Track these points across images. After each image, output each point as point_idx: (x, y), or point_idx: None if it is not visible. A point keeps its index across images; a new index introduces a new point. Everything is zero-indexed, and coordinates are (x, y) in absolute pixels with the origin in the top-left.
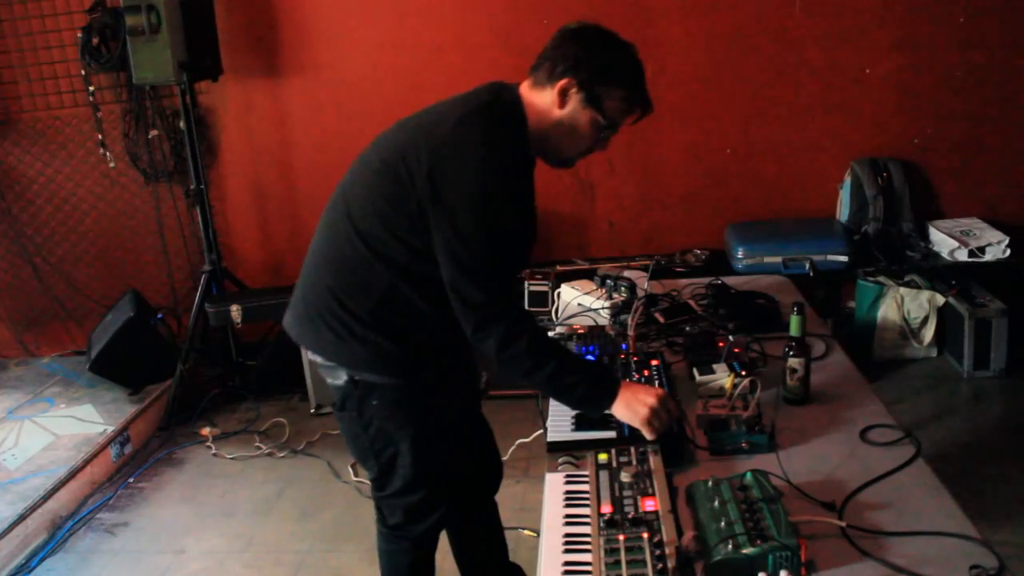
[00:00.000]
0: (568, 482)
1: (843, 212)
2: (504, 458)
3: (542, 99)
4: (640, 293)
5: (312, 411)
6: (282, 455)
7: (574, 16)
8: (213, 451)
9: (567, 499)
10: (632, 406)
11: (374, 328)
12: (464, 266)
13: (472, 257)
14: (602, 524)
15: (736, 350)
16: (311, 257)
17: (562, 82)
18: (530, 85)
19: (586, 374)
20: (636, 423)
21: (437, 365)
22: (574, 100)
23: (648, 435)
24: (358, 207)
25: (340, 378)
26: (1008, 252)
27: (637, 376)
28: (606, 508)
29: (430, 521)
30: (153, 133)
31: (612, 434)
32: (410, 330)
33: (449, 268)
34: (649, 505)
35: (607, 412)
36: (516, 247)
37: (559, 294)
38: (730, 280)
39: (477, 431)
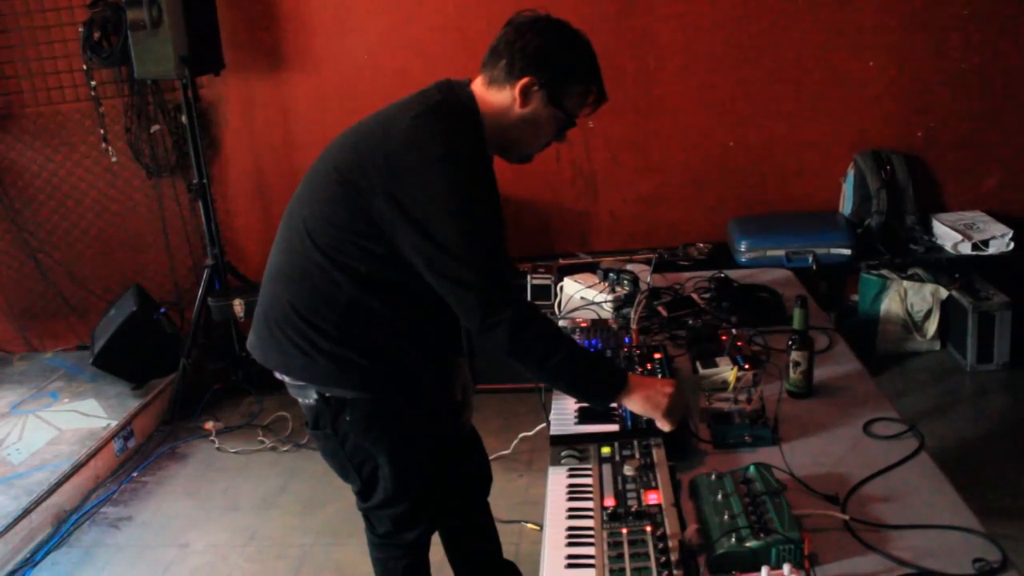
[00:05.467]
0: (571, 475)
1: (846, 205)
2: (507, 452)
3: (500, 97)
4: (643, 287)
5: None
6: (285, 449)
7: (575, 13)
8: (216, 445)
9: (570, 492)
10: (653, 398)
11: (340, 342)
12: (456, 257)
13: (459, 247)
14: (605, 517)
15: (739, 343)
16: (269, 275)
17: (523, 81)
18: (485, 82)
19: (596, 362)
20: (656, 415)
21: (409, 376)
22: (536, 98)
23: (666, 427)
24: (315, 218)
25: (311, 397)
26: (1012, 245)
27: (640, 369)
28: (609, 501)
29: (419, 529)
30: (155, 128)
31: (615, 427)
32: (377, 341)
33: (438, 264)
34: (652, 498)
35: (613, 404)
36: (496, 229)
37: (562, 288)
38: (733, 273)
39: (461, 438)
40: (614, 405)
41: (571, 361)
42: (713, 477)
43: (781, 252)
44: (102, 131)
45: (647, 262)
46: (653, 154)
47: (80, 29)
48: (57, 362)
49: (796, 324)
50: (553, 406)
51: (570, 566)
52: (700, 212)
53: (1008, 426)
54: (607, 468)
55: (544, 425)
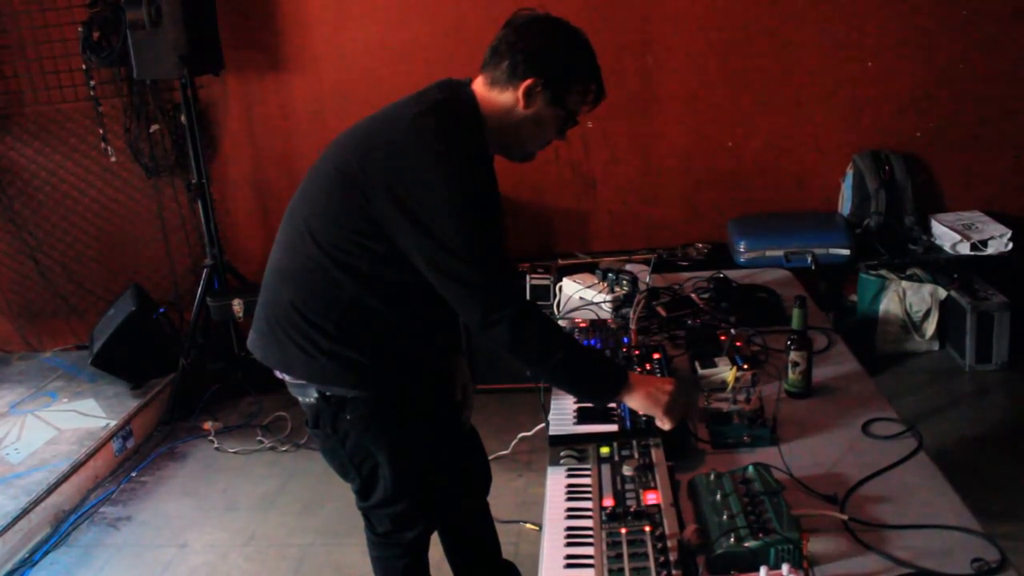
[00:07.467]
0: (570, 476)
1: (845, 206)
2: (506, 452)
3: (503, 98)
4: (642, 287)
5: None
6: (284, 449)
7: (575, 12)
8: (215, 445)
9: (569, 492)
10: (653, 395)
11: (341, 341)
12: (457, 255)
13: (459, 245)
14: (604, 517)
15: (738, 343)
16: (270, 273)
17: (527, 83)
18: (487, 83)
19: (596, 360)
20: (656, 412)
21: (409, 374)
22: (539, 99)
23: (666, 425)
24: (316, 217)
25: (311, 395)
26: (1010, 245)
27: (639, 369)
28: (608, 501)
29: (419, 528)
30: (154, 127)
31: (614, 427)
32: (378, 340)
33: (439, 261)
34: (651, 498)
35: (610, 404)
36: (496, 227)
37: (561, 288)
38: (732, 274)
39: (461, 437)
40: (613, 404)
41: (572, 359)
42: (712, 477)
43: (780, 252)
44: (101, 131)
45: (646, 262)
46: (653, 154)
47: (80, 29)
48: (56, 362)
49: (795, 324)
50: (552, 406)
51: (569, 566)
52: (699, 212)
53: (1007, 426)
54: (606, 468)
55: (543, 425)
